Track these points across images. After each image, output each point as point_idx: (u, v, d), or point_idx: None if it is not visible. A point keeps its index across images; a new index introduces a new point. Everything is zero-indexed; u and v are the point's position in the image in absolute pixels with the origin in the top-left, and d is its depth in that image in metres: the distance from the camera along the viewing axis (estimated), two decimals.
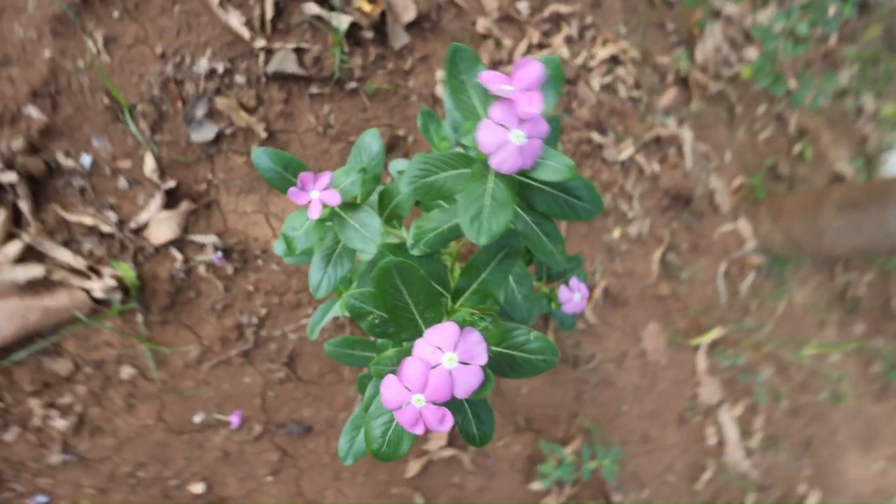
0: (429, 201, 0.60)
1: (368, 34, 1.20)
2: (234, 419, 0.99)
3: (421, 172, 0.52)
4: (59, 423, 0.87)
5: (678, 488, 1.50)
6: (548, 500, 1.27)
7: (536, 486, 1.26)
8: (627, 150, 1.54)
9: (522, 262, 0.59)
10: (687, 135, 1.68)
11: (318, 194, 0.56)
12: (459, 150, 0.55)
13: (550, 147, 0.66)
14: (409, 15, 1.26)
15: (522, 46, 1.43)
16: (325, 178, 0.57)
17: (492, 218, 0.48)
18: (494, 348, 0.52)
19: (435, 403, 0.43)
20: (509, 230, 0.56)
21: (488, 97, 0.51)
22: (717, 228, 1.73)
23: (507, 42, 1.41)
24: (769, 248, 1.76)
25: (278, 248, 0.69)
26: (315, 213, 0.56)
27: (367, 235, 0.61)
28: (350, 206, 0.63)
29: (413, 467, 1.13)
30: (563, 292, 0.77)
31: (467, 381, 0.44)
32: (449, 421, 0.44)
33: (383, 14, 1.22)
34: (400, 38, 1.26)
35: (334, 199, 0.56)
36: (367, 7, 1.18)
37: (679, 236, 1.63)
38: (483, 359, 0.45)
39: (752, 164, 1.85)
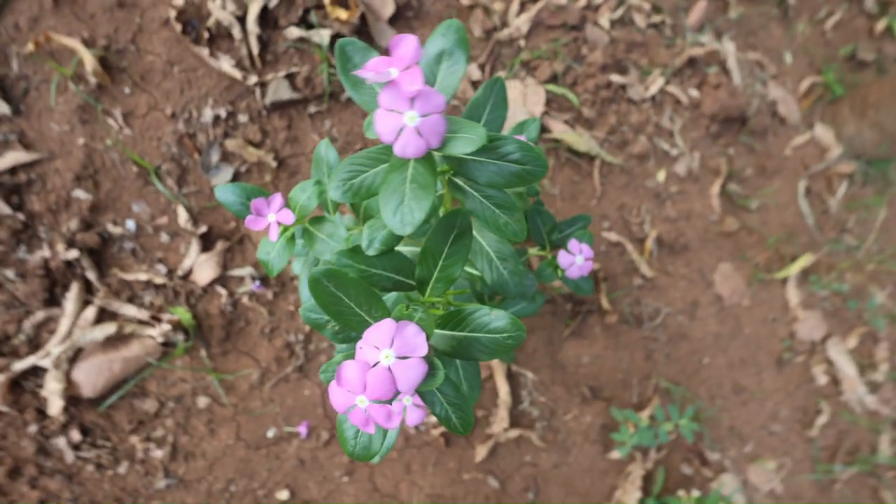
0: (363, 201, 0.59)
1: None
2: (303, 429, 1.07)
3: (349, 174, 0.52)
4: (158, 454, 1.01)
5: (788, 437, 1.35)
6: (632, 468, 1.21)
7: (616, 454, 1.21)
8: (656, 84, 1.40)
9: (506, 235, 0.56)
10: (729, 47, 1.49)
11: (274, 217, 0.59)
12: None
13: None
14: (389, 9, 1.25)
15: (515, 6, 1.35)
16: (278, 199, 0.59)
17: (413, 205, 0.47)
18: (458, 333, 0.51)
19: (380, 402, 0.43)
20: (455, 211, 0.54)
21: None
22: (788, 143, 1.52)
23: (498, 6, 1.34)
24: (860, 151, 1.51)
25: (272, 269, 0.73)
26: (274, 235, 0.58)
27: (334, 245, 0.62)
28: (317, 219, 0.65)
29: (480, 452, 1.14)
30: (562, 257, 0.72)
31: (408, 375, 0.43)
32: (396, 417, 0.44)
33: (363, 17, 1.22)
34: (385, 35, 1.25)
35: (288, 218, 0.58)
36: (343, 15, 1.19)
37: (739, 162, 1.45)
38: (423, 350, 0.44)
39: (821, 60, 1.59)
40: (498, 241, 0.66)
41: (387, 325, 0.43)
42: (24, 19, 1.05)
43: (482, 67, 1.32)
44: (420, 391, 0.51)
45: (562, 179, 1.32)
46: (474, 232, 0.68)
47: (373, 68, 0.43)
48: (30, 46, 1.03)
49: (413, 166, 0.48)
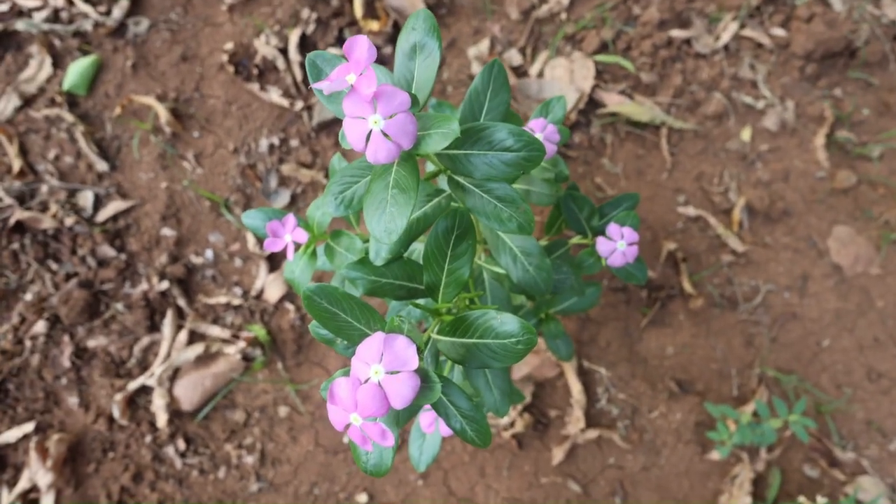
0: (357, 212, 0.58)
1: (387, 49, 1.23)
2: None
3: (341, 187, 0.51)
4: (249, 460, 1.10)
5: None
6: (738, 470, 1.06)
7: (717, 455, 1.07)
8: (729, 30, 1.22)
9: (510, 230, 0.52)
10: None
11: (290, 237, 0.60)
12: None
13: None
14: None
15: None
16: (291, 220, 0.61)
17: (394, 211, 0.44)
18: (467, 340, 0.48)
19: (373, 419, 0.42)
20: (452, 210, 0.51)
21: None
22: None
23: None
24: None
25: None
26: (290, 254, 0.60)
27: (351, 258, 0.62)
28: (337, 233, 0.66)
29: (557, 454, 1.08)
30: (600, 245, 0.65)
31: (399, 391, 0.41)
32: (390, 436, 0.42)
33: (395, 24, 1.23)
34: None
35: (302, 237, 0.59)
36: (375, 26, 1.21)
37: (850, 104, 1.21)
38: (413, 364, 0.42)
39: None
40: (521, 237, 0.61)
41: (376, 339, 0.42)
42: (111, 88, 1.22)
43: (523, 51, 1.25)
44: (432, 405, 0.49)
45: (624, 156, 1.21)
46: (497, 229, 0.64)
47: (332, 77, 0.42)
48: (117, 110, 1.19)
49: (395, 171, 0.46)
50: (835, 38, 1.19)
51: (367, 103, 0.42)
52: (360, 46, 0.41)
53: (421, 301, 0.60)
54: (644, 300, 1.15)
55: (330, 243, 0.65)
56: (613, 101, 1.21)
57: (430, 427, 0.68)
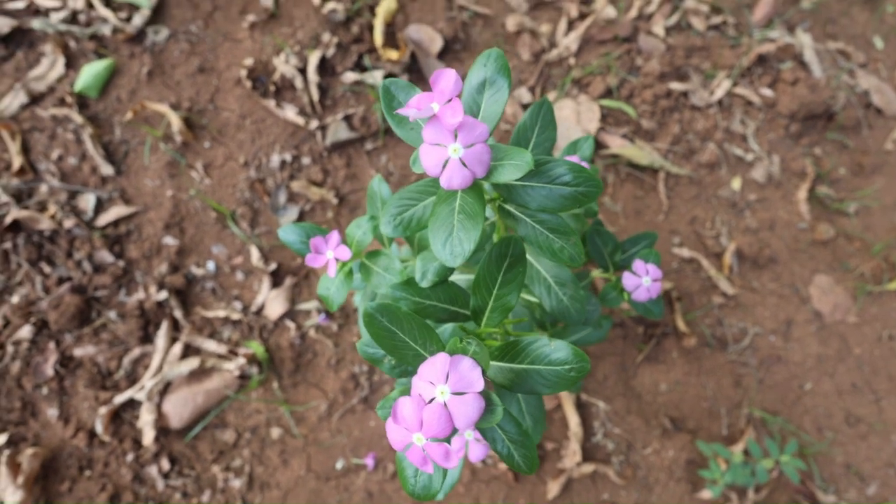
0: (414, 234, 0.60)
1: (404, 77, 1.27)
2: (369, 461, 1.08)
3: (399, 209, 0.53)
4: (236, 483, 1.06)
5: None
6: None
7: (708, 494, 1.09)
8: (722, 87, 1.31)
9: (562, 261, 0.54)
10: (804, 39, 1.37)
11: (332, 254, 0.61)
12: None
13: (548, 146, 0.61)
14: (437, 45, 1.30)
15: (562, 26, 1.35)
16: (335, 237, 0.61)
17: (462, 236, 0.46)
18: (517, 366, 0.49)
19: (437, 440, 0.42)
20: (507, 238, 0.53)
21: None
22: (889, 136, 1.35)
23: (545, 28, 1.34)
24: None
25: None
26: (332, 271, 0.60)
27: (390, 278, 0.63)
28: (373, 253, 0.67)
29: (553, 488, 1.08)
30: (627, 280, 0.68)
31: (465, 412, 0.41)
32: (456, 456, 0.42)
33: (412, 55, 1.28)
34: (434, 69, 1.30)
35: (345, 254, 0.60)
36: (394, 55, 1.25)
37: (829, 162, 1.31)
38: (479, 385, 0.42)
39: None
40: (555, 267, 0.63)
41: (441, 359, 0.42)
42: (124, 93, 1.21)
43: (532, 90, 1.31)
44: (479, 428, 0.49)
45: (624, 196, 1.27)
46: (530, 258, 0.66)
47: (415, 105, 0.44)
48: (129, 115, 1.17)
49: (461, 197, 0.47)
50: (816, 102, 1.29)
51: (448, 132, 0.44)
52: (448, 78, 0.43)
53: (465, 325, 0.60)
54: (640, 336, 1.18)
55: (366, 262, 0.65)
56: (616, 143, 1.27)
57: (461, 452, 0.68)
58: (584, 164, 0.70)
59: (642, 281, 0.67)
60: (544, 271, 0.63)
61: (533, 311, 0.68)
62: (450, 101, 0.43)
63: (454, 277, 0.71)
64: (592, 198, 0.49)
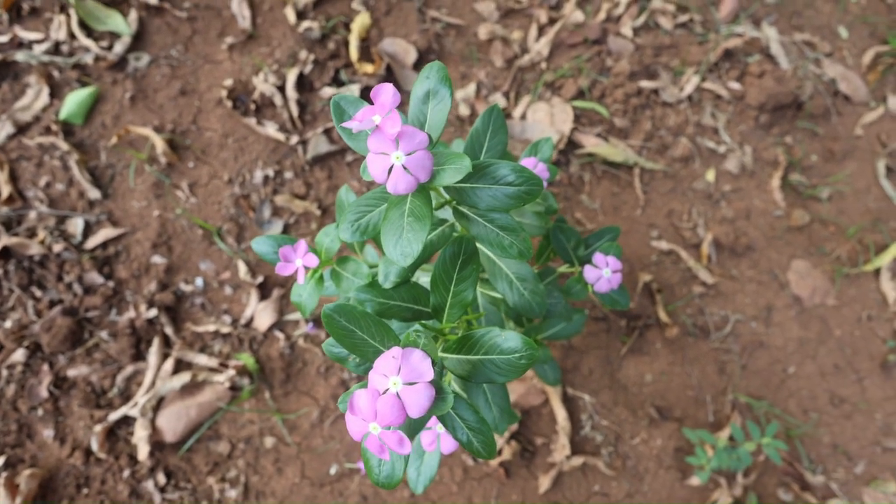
0: (370, 238, 0.62)
1: None
2: (362, 465, 1.10)
3: (357, 215, 0.55)
4: (232, 493, 1.07)
5: None
6: (717, 495, 1.10)
7: (697, 480, 1.11)
8: (691, 82, 1.35)
9: (512, 255, 0.57)
10: (770, 32, 1.41)
11: (300, 262, 0.63)
12: None
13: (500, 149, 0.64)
14: (412, 56, 1.33)
15: (533, 32, 1.38)
16: (302, 246, 0.64)
17: (410, 237, 0.49)
18: (472, 357, 0.52)
19: (391, 428, 0.44)
20: (459, 238, 0.56)
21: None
22: (858, 121, 1.38)
23: (516, 34, 1.38)
24: None
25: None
26: (301, 278, 0.63)
27: (358, 282, 0.65)
28: (343, 259, 0.69)
29: (544, 482, 1.10)
30: (588, 272, 0.71)
31: (416, 401, 0.44)
32: (407, 443, 0.44)
33: (388, 67, 1.31)
34: (410, 80, 1.33)
35: (313, 261, 0.63)
36: (370, 69, 1.29)
37: (800, 150, 1.34)
38: (429, 376, 0.45)
39: (884, 27, 1.46)
40: (516, 264, 0.66)
41: (393, 352, 0.45)
42: (108, 118, 1.24)
43: (507, 95, 1.35)
44: (438, 417, 0.51)
45: (601, 193, 1.29)
46: (493, 256, 0.69)
47: (358, 118, 0.47)
48: (113, 140, 1.21)
49: (410, 201, 0.50)
50: (783, 93, 1.33)
51: (390, 141, 0.47)
52: (386, 92, 0.46)
53: (426, 322, 0.63)
54: (623, 329, 1.21)
55: (336, 268, 0.68)
56: (590, 142, 1.30)
57: (432, 445, 0.70)
58: (543, 165, 0.72)
59: (602, 273, 0.69)
60: (506, 269, 0.66)
61: (498, 306, 0.70)
62: (389, 112, 0.46)
63: (421, 279, 0.74)
64: (535, 195, 0.51)
